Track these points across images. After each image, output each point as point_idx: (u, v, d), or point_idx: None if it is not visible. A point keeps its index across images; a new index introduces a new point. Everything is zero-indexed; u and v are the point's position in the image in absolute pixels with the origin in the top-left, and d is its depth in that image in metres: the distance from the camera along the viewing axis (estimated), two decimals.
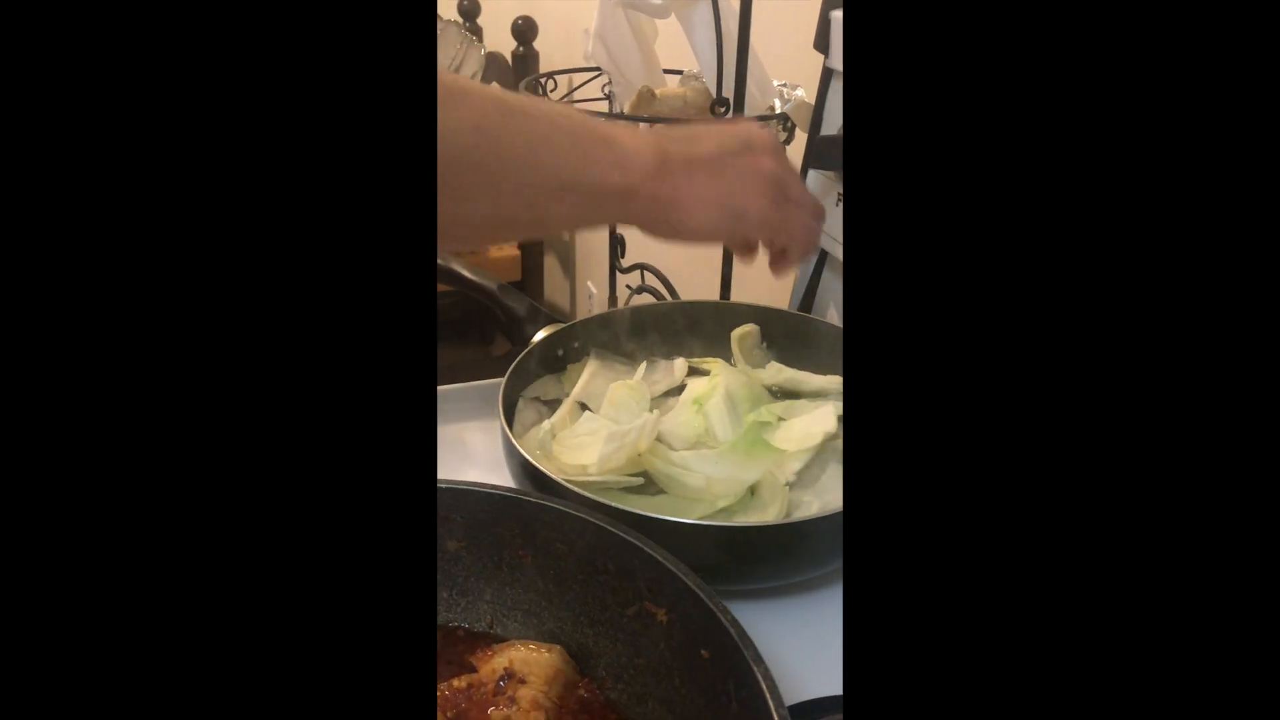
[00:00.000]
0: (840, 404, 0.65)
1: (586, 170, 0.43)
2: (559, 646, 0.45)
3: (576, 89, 0.87)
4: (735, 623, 0.38)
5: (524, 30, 1.77)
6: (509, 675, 0.43)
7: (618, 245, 0.96)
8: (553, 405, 0.67)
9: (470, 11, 1.86)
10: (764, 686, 0.34)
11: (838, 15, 0.77)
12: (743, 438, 0.60)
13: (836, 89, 0.80)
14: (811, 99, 0.81)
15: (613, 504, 0.49)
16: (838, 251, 0.81)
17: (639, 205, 0.45)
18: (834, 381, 0.68)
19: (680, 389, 0.69)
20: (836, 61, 0.78)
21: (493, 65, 1.70)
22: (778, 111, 0.76)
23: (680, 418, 0.64)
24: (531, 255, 2.06)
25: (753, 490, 0.57)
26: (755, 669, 0.35)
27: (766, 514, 0.56)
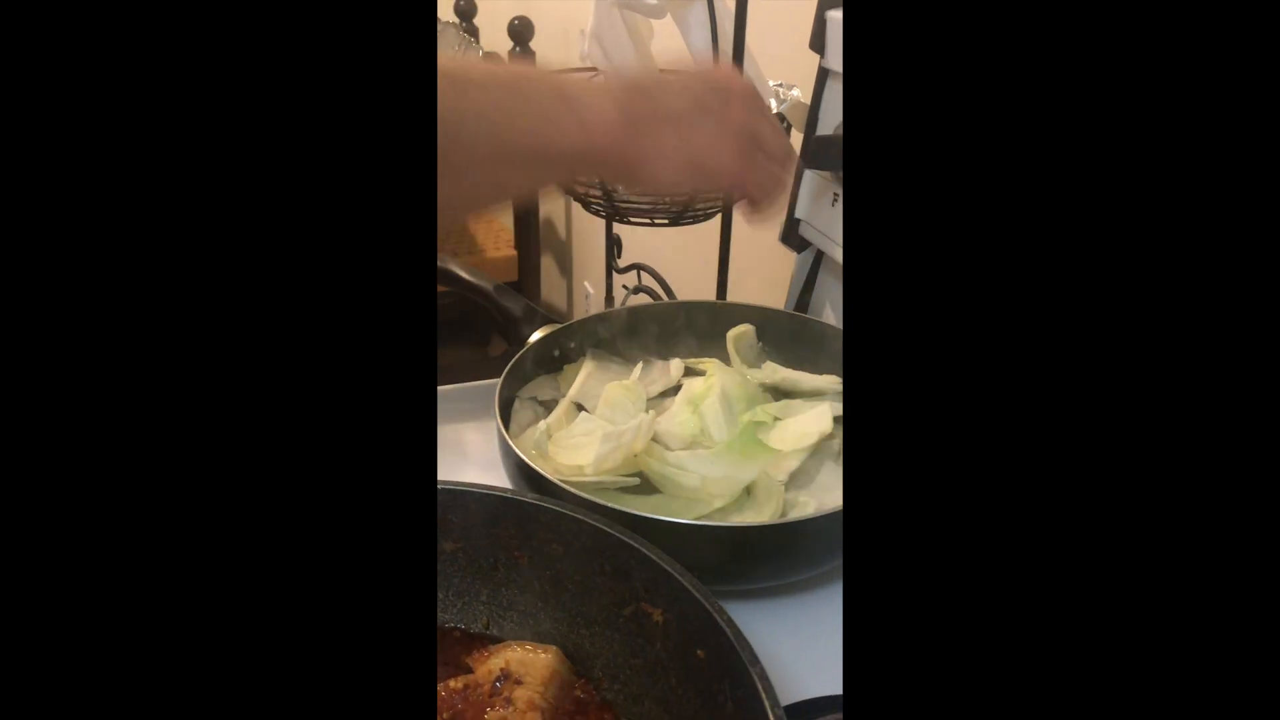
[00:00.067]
0: (836, 404, 0.65)
1: (547, 136, 0.42)
2: (555, 647, 0.45)
3: None
4: (731, 623, 0.38)
5: (520, 30, 1.77)
6: (505, 676, 0.43)
7: (614, 246, 0.96)
8: (549, 405, 0.67)
9: (467, 12, 1.86)
10: (759, 687, 0.34)
11: (833, 15, 0.77)
12: (738, 438, 0.60)
13: (832, 89, 0.80)
14: (807, 99, 0.81)
15: (609, 504, 0.49)
16: (834, 252, 0.81)
17: (603, 164, 0.45)
18: (830, 381, 0.68)
19: (676, 389, 0.69)
20: (832, 61, 0.78)
21: None
22: (774, 111, 0.76)
23: (676, 418, 0.64)
24: (528, 255, 2.06)
25: (748, 490, 0.57)
26: (751, 669, 0.35)
27: (762, 514, 0.56)
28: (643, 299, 0.92)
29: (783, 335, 0.73)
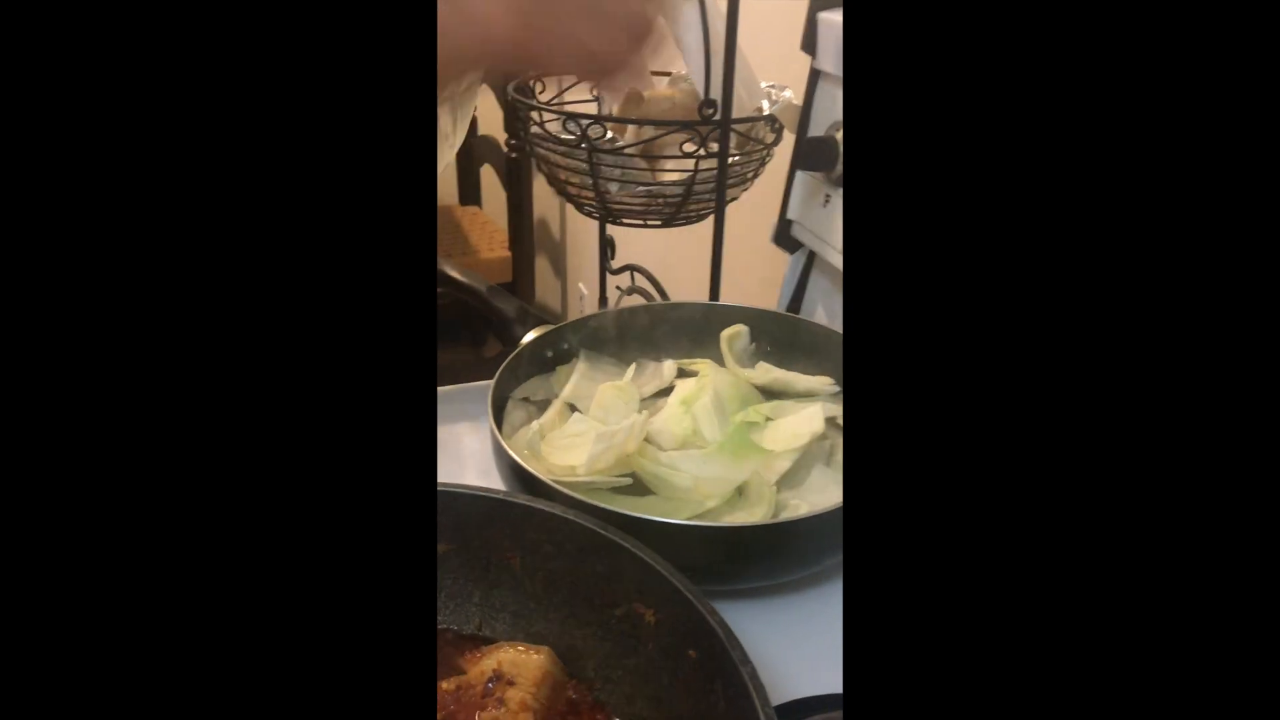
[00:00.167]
0: (828, 405, 0.65)
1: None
2: (547, 648, 0.45)
3: (566, 89, 0.87)
4: (723, 623, 0.38)
5: None
6: (497, 677, 0.43)
7: (608, 247, 0.96)
8: (542, 406, 0.68)
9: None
10: (750, 687, 0.35)
11: (825, 17, 0.77)
12: (730, 438, 0.61)
13: (824, 90, 0.80)
14: (799, 100, 0.81)
15: (601, 505, 0.49)
16: (826, 253, 0.81)
17: (499, 55, 0.46)
18: (822, 382, 0.68)
19: (669, 390, 0.69)
20: (824, 63, 0.78)
21: None
22: (766, 113, 0.77)
23: (669, 418, 0.64)
24: (522, 257, 2.06)
25: (740, 490, 0.58)
26: (742, 669, 0.35)
27: (754, 514, 0.56)
28: (636, 300, 0.93)
29: (775, 336, 0.73)
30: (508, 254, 2.06)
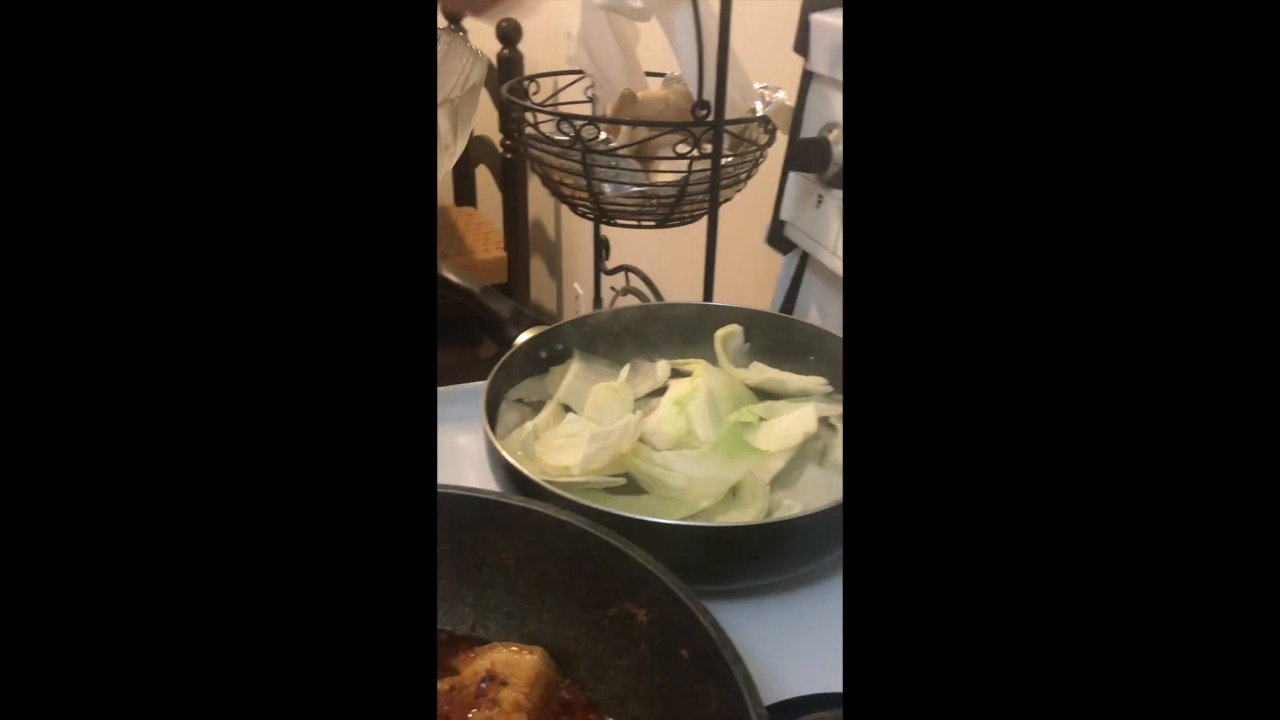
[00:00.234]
0: (821, 405, 0.65)
1: None
2: (540, 648, 0.45)
3: (560, 91, 0.88)
4: (715, 623, 0.38)
5: (509, 33, 1.77)
6: (491, 677, 0.43)
7: (602, 247, 0.96)
8: (536, 407, 0.68)
9: (455, 14, 1.86)
10: (742, 686, 0.35)
11: (818, 18, 0.77)
12: (724, 438, 0.61)
13: (816, 91, 0.81)
14: (792, 101, 0.82)
15: (594, 505, 0.49)
16: (819, 254, 0.81)
17: None
18: (816, 382, 0.69)
19: (663, 390, 0.69)
20: (816, 64, 0.79)
21: None
22: (759, 114, 0.77)
23: (663, 418, 0.64)
24: (517, 257, 2.06)
25: (734, 490, 0.58)
26: (734, 669, 0.35)
27: (747, 514, 0.56)
28: (630, 300, 0.93)
29: (769, 336, 0.73)
30: (503, 255, 2.06)
